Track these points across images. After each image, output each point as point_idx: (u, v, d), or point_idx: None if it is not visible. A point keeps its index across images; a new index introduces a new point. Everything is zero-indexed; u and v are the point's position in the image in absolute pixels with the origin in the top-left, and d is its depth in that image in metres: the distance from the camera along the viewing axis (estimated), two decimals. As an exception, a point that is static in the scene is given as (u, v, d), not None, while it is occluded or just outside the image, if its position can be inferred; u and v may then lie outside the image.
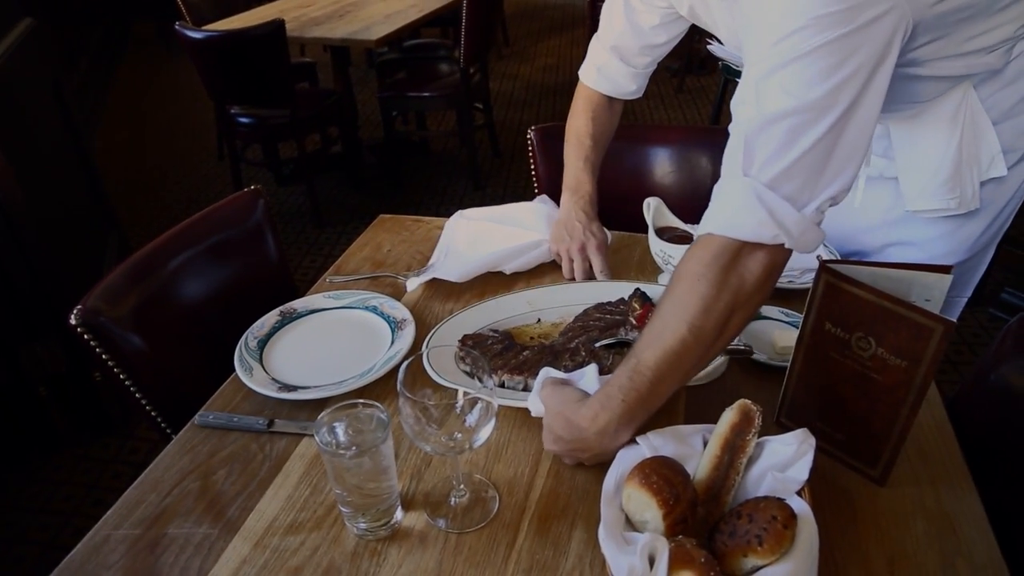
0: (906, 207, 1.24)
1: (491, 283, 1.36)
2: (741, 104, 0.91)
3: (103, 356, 1.17)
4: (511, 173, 4.23)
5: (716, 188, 0.93)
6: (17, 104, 2.27)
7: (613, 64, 1.42)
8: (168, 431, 1.23)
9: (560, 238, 1.39)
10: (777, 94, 0.85)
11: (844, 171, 0.87)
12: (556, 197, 1.76)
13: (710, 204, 0.94)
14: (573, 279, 1.35)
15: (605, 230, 1.41)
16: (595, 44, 1.45)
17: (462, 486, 0.92)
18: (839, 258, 1.31)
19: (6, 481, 2.25)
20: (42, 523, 2.12)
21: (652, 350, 0.89)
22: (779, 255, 0.90)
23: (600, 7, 1.43)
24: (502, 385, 1.04)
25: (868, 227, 1.34)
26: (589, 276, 1.35)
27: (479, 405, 0.84)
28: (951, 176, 1.17)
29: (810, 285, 1.18)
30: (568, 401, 0.92)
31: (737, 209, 0.88)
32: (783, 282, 1.29)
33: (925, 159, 1.18)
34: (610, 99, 1.48)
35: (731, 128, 0.93)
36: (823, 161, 0.86)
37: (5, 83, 2.13)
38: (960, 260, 1.28)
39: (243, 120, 3.51)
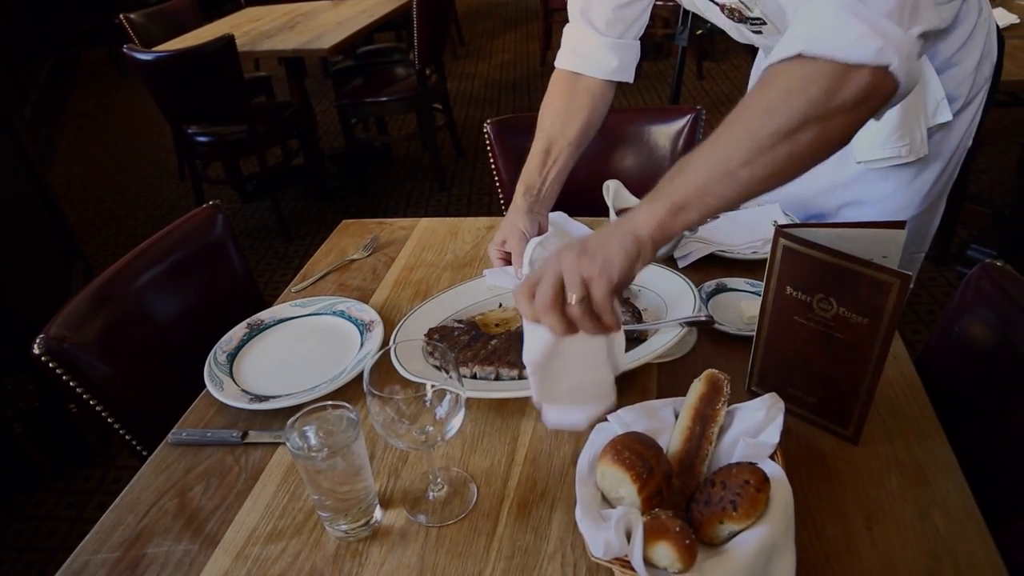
0: (856, 159, 1.25)
1: (458, 274, 1.37)
2: None
3: (71, 384, 1.15)
4: (475, 171, 4.23)
5: (795, 20, 0.81)
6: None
7: (588, 37, 1.31)
8: (145, 454, 1.22)
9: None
10: None
11: (928, 6, 0.78)
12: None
13: (788, 31, 0.80)
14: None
15: (529, 221, 1.27)
16: (568, 27, 1.36)
17: (439, 480, 0.92)
18: (796, 222, 1.32)
19: (-11, 521, 2.21)
20: (26, 562, 2.08)
21: (701, 148, 0.80)
22: (881, 82, 0.75)
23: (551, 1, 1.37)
24: (474, 376, 1.04)
25: (822, 189, 1.35)
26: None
27: (448, 396, 0.84)
28: (899, 124, 1.19)
29: (771, 253, 1.20)
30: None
31: (829, 24, 0.75)
32: (747, 253, 1.30)
33: None
34: (579, 77, 1.34)
35: None
36: None
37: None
38: (914, 214, 1.30)
39: (201, 139, 3.48)
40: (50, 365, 1.14)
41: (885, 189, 1.29)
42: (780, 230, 0.90)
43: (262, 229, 3.81)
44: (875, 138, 1.22)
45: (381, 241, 1.53)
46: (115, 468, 2.39)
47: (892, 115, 1.18)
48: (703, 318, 1.03)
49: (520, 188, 1.31)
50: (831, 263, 0.87)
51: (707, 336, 1.13)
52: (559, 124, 1.32)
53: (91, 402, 1.17)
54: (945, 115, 1.20)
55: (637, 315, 1.07)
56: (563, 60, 1.36)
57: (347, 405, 0.84)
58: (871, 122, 1.17)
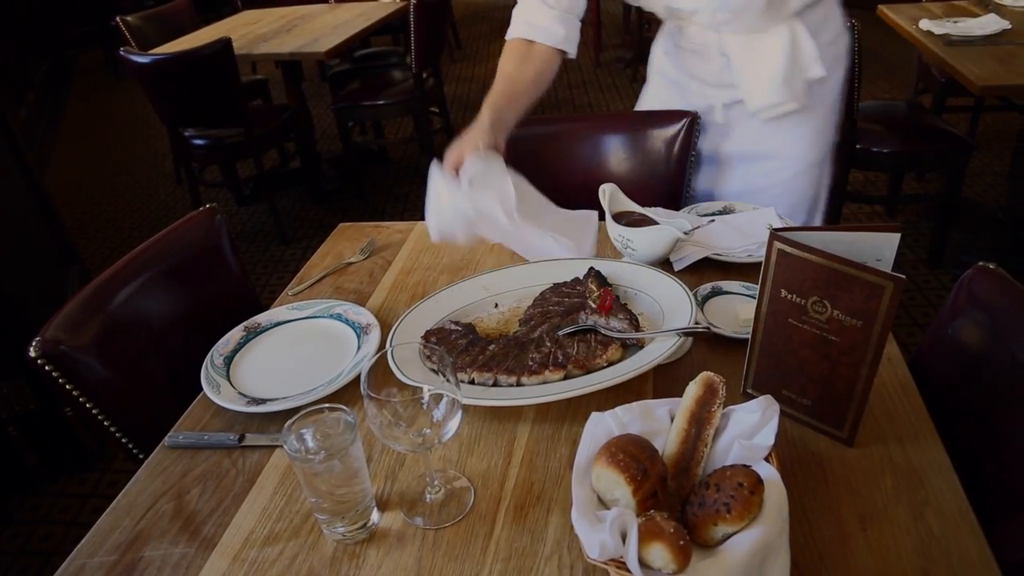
0: (750, 108, 1.56)
1: (455, 277, 1.36)
2: None
3: (67, 387, 1.15)
4: (473, 175, 4.23)
5: None
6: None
7: (539, 11, 1.51)
8: (141, 457, 1.22)
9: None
10: None
11: None
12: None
13: None
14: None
15: (488, 138, 1.36)
16: (517, 8, 1.55)
17: (436, 482, 0.92)
18: (792, 225, 1.33)
19: (-18, 526, 2.21)
20: (21, 566, 2.08)
21: None
22: None
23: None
24: (471, 382, 1.04)
25: (737, 148, 1.66)
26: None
27: (445, 400, 0.84)
28: (785, 79, 1.50)
29: (766, 256, 1.20)
30: None
31: None
32: (743, 256, 1.31)
33: (762, 69, 1.51)
34: (532, 44, 1.52)
35: None
36: None
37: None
38: (811, 162, 1.63)
39: (198, 142, 3.48)
40: (46, 368, 1.14)
41: (783, 139, 1.60)
42: (775, 233, 0.91)
43: (258, 232, 3.81)
44: (766, 91, 1.52)
45: (378, 244, 1.54)
46: (111, 472, 2.39)
47: (778, 70, 1.49)
48: (700, 329, 1.03)
49: (487, 110, 1.43)
50: (825, 266, 0.87)
51: (703, 339, 1.14)
52: (519, 71, 1.52)
53: (87, 405, 1.17)
54: (819, 71, 1.50)
55: (634, 321, 1.08)
56: (516, 31, 1.54)
57: (344, 408, 0.85)
58: (761, 79, 1.52)
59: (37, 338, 1.14)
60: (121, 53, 3.10)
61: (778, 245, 0.91)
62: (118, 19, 3.73)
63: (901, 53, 5.27)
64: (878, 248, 0.90)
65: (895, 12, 2.95)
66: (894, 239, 0.89)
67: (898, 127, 2.90)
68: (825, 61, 1.51)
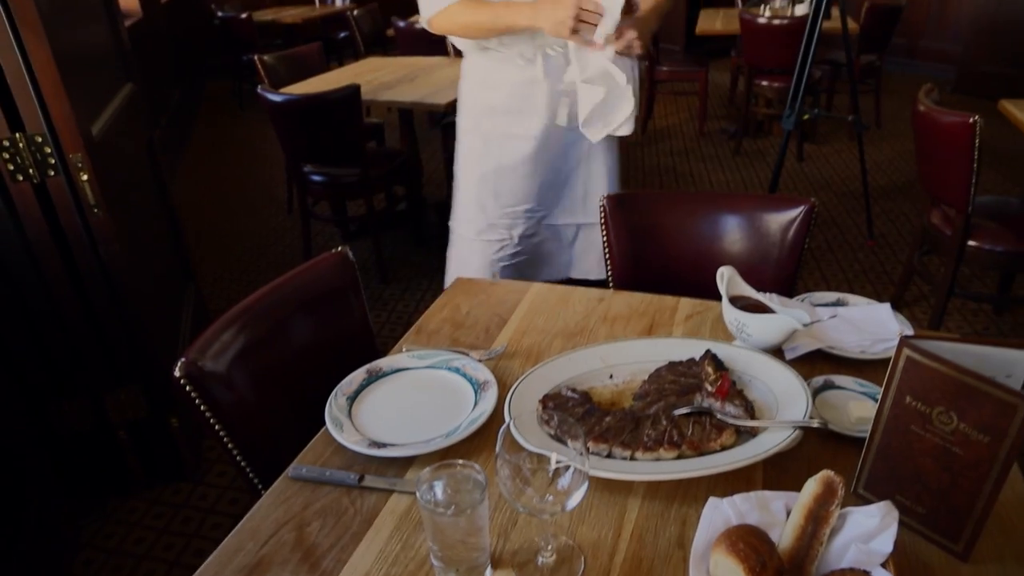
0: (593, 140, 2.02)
1: (569, 343, 1.41)
2: None
3: (201, 408, 1.23)
4: (570, 232, 4.29)
5: None
6: (120, 163, 2.42)
7: None
8: (256, 482, 1.29)
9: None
10: None
11: None
12: (629, 269, 1.81)
13: None
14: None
15: None
16: None
17: (550, 547, 0.95)
18: (908, 324, 1.34)
19: (85, 521, 2.34)
20: (115, 564, 2.19)
21: None
22: None
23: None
24: (586, 451, 1.07)
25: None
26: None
27: (571, 470, 0.88)
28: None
29: (883, 356, 1.21)
30: None
31: None
32: (856, 352, 1.31)
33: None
34: None
35: None
36: None
37: (113, 143, 2.28)
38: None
39: (316, 178, 3.66)
40: (187, 389, 1.22)
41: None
42: (905, 340, 0.92)
43: (360, 269, 3.85)
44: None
45: (493, 302, 1.59)
46: (203, 485, 2.50)
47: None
48: (816, 424, 1.04)
49: None
50: (955, 378, 0.88)
51: (814, 434, 1.14)
52: None
53: (216, 427, 1.25)
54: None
55: (750, 409, 1.09)
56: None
57: (475, 466, 0.89)
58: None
59: (182, 359, 1.22)
60: (259, 91, 3.32)
61: (907, 352, 0.92)
62: (256, 57, 4.00)
63: (1015, 147, 5.13)
64: (1010, 363, 0.90)
65: (1018, 108, 2.89)
66: (1028, 358, 0.89)
67: (1013, 224, 2.82)
68: None
